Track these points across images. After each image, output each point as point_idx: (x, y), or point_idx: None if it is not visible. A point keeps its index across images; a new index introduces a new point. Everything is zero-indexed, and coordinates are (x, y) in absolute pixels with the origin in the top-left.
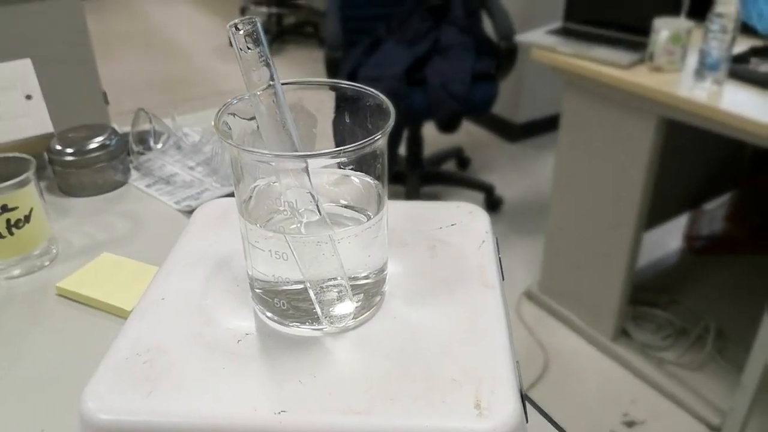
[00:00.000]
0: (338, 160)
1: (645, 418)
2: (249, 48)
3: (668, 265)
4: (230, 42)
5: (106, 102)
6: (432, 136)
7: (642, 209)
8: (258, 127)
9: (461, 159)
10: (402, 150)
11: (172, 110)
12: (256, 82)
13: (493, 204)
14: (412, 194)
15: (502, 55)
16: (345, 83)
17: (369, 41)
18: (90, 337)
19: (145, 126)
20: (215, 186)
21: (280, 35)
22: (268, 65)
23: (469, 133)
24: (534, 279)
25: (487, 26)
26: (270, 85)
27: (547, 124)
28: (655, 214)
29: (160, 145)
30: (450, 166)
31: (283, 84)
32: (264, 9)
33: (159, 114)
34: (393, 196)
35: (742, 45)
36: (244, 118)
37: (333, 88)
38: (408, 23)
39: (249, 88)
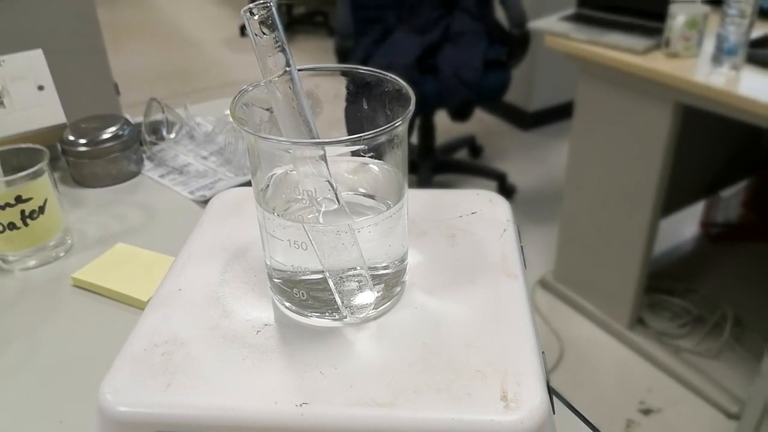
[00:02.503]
0: (357, 147)
1: (661, 406)
2: (264, 33)
3: (684, 253)
4: (243, 28)
5: (118, 93)
6: (444, 125)
7: (658, 196)
8: (273, 113)
9: (474, 147)
10: (414, 139)
11: (185, 99)
12: (272, 69)
13: (506, 192)
14: (424, 183)
15: (515, 43)
16: (363, 68)
17: (379, 30)
18: (106, 328)
19: (158, 116)
20: (229, 176)
21: (290, 25)
22: (283, 51)
23: (482, 122)
24: (548, 268)
25: (499, 13)
26: (286, 71)
27: (560, 112)
28: (671, 201)
29: (172, 135)
30: (462, 154)
31: (299, 70)
32: None
33: (170, 104)
34: None
35: (761, 29)
36: (260, 107)
37: (350, 74)
38: (419, 11)
39: (264, 74)
